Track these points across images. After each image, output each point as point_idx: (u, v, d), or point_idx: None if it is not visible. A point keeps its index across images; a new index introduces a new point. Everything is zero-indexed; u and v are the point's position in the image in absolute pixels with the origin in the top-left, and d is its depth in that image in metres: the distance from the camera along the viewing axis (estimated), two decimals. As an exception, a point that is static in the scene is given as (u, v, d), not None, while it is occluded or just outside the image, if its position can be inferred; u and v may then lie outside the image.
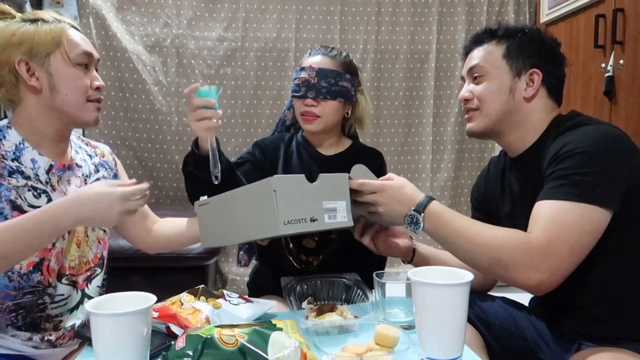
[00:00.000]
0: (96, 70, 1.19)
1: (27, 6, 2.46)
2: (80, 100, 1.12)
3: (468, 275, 0.85)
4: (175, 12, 2.77)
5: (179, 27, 2.77)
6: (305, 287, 1.18)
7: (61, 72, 1.10)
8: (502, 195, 1.27)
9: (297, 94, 1.40)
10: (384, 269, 1.40)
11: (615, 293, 1.05)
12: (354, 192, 1.10)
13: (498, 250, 0.99)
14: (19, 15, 1.14)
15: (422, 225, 1.07)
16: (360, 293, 1.17)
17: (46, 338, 1.11)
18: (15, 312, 1.07)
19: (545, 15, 2.70)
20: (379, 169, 1.46)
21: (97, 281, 1.22)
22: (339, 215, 1.03)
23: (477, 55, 1.21)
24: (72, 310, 1.16)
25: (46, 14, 1.13)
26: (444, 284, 0.83)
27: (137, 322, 0.78)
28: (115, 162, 1.35)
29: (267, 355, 0.77)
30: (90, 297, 1.19)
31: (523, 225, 1.09)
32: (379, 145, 2.90)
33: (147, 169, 2.79)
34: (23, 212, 1.05)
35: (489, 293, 1.33)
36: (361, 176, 1.12)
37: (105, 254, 1.26)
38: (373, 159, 1.50)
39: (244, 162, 1.42)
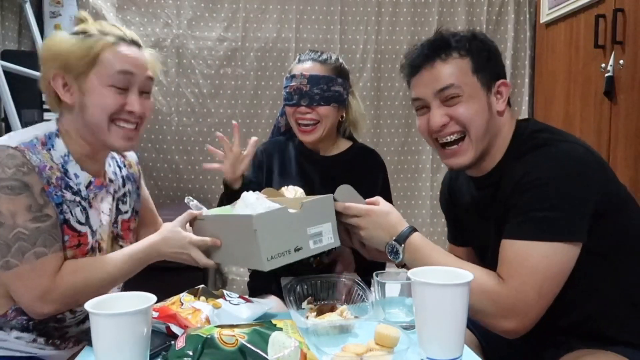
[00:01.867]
0: (146, 93, 1.10)
1: (27, 6, 2.46)
2: (103, 121, 1.05)
3: (468, 275, 0.85)
4: (175, 12, 2.77)
5: (179, 27, 2.77)
6: (305, 287, 1.18)
7: (92, 91, 1.04)
8: (467, 211, 1.22)
9: (290, 103, 1.40)
10: (384, 268, 1.40)
11: (598, 306, 1.03)
12: (338, 213, 1.10)
13: (483, 298, 0.96)
14: (87, 24, 1.08)
15: (401, 256, 1.06)
16: (360, 293, 1.17)
17: (51, 341, 1.11)
18: (27, 315, 1.06)
19: (545, 16, 2.70)
20: (384, 183, 1.49)
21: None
22: (325, 238, 1.06)
23: (446, 72, 1.04)
24: (84, 320, 1.16)
25: (96, 26, 1.07)
26: (444, 284, 0.83)
27: (137, 322, 0.78)
28: (140, 173, 1.35)
29: (267, 355, 0.77)
30: None
31: (486, 242, 1.10)
32: (379, 145, 2.90)
33: (147, 169, 2.79)
34: (70, 227, 1.05)
35: None
36: (346, 197, 1.11)
37: None
38: (374, 162, 1.50)
39: (250, 183, 1.41)
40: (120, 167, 1.26)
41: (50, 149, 1.05)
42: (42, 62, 1.07)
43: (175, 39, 2.77)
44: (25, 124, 2.08)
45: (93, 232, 1.11)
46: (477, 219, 1.18)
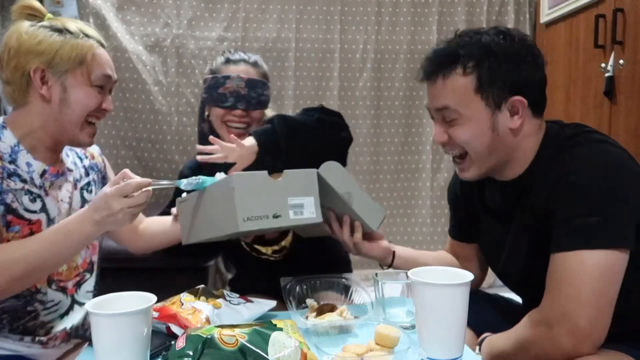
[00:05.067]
0: (110, 92, 1.16)
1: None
2: (80, 118, 1.10)
3: (468, 275, 0.85)
4: (175, 12, 2.77)
5: (179, 27, 2.77)
6: (305, 287, 1.18)
7: (77, 89, 1.08)
8: (483, 208, 1.20)
9: (225, 105, 1.38)
10: (351, 269, 1.42)
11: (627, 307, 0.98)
12: (335, 203, 1.09)
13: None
14: (48, 16, 1.11)
15: None
16: (360, 293, 1.17)
17: (37, 339, 1.10)
18: (7, 313, 1.06)
19: (545, 16, 2.70)
20: None
21: (88, 286, 1.21)
22: (306, 211, 1.01)
23: (444, 92, 1.02)
24: (63, 315, 1.15)
25: (74, 24, 1.11)
26: (444, 284, 0.83)
27: (137, 322, 0.78)
28: (105, 164, 1.34)
29: (267, 355, 0.77)
30: (80, 303, 1.18)
31: (502, 247, 1.09)
32: (379, 145, 2.90)
33: (147, 169, 2.79)
34: (18, 216, 1.05)
35: (484, 291, 1.34)
36: (332, 174, 1.09)
37: (95, 258, 1.25)
38: None
39: None
40: (80, 158, 1.26)
41: None
42: (20, 54, 1.06)
43: (175, 39, 2.77)
44: None
45: (50, 220, 1.10)
46: (494, 219, 1.16)
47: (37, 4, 1.11)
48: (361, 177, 2.88)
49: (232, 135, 1.28)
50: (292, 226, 1.03)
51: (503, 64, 1.00)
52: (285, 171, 1.01)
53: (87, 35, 1.10)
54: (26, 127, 1.10)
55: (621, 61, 2.10)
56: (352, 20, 2.90)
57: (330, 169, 1.09)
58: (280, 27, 2.84)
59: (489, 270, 1.30)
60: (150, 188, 0.99)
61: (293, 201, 1.00)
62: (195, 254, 1.47)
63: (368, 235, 1.21)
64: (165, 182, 1.05)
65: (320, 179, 1.05)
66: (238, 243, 1.43)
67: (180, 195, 1.17)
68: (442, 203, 2.97)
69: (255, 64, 1.44)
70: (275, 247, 1.43)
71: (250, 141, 1.26)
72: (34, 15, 1.10)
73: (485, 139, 1.02)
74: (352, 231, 1.18)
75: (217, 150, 1.24)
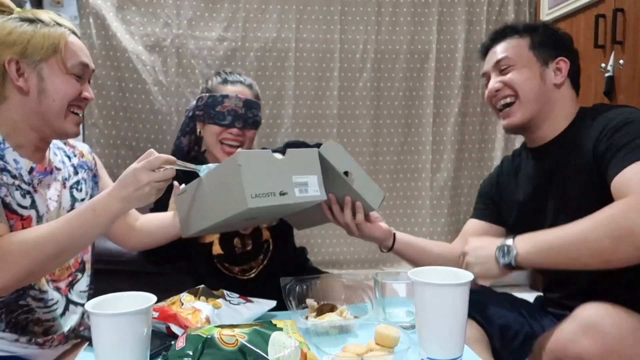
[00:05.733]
0: (89, 82, 1.15)
1: (27, 6, 2.45)
2: (62, 108, 1.09)
3: (468, 275, 0.85)
4: (175, 12, 2.77)
5: (179, 27, 2.77)
6: (305, 287, 1.18)
7: (54, 78, 1.07)
8: (517, 188, 1.30)
9: (223, 122, 1.41)
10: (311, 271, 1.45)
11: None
12: (337, 186, 1.09)
13: (613, 221, 0.90)
14: (17, 10, 1.10)
15: (515, 251, 0.99)
16: (360, 293, 1.17)
17: (34, 340, 1.10)
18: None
19: (545, 15, 2.70)
20: None
21: (81, 286, 1.21)
22: (311, 189, 1.02)
23: (502, 49, 1.26)
24: (61, 315, 1.15)
25: (45, 15, 1.10)
26: (444, 284, 0.83)
27: (137, 322, 0.78)
28: (95, 162, 1.33)
29: (267, 355, 0.77)
30: (75, 303, 1.18)
31: (543, 217, 1.13)
32: (379, 145, 2.90)
33: (147, 169, 2.79)
34: (12, 210, 1.04)
35: (493, 290, 1.34)
36: (333, 154, 1.09)
37: (86, 257, 1.24)
38: None
39: None
40: (69, 157, 1.25)
41: None
42: None
43: (175, 39, 2.77)
44: None
45: (39, 217, 1.10)
46: (526, 188, 1.26)
47: (6, 0, 1.10)
48: (361, 177, 2.88)
49: None
50: (298, 205, 1.02)
51: (552, 35, 1.25)
52: (288, 150, 1.01)
53: (58, 24, 1.09)
54: (9, 123, 1.08)
55: (621, 61, 2.10)
56: (352, 20, 2.89)
57: (330, 149, 1.10)
58: (280, 27, 2.84)
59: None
60: (175, 166, 1.02)
61: (298, 179, 1.00)
62: (167, 260, 1.49)
63: (367, 217, 1.24)
64: (189, 165, 1.06)
65: (321, 158, 1.06)
66: (209, 256, 1.44)
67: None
68: (442, 203, 2.97)
69: (250, 86, 1.50)
70: (244, 267, 1.45)
71: None
72: (1, 11, 1.09)
73: (535, 84, 1.21)
74: (354, 213, 1.20)
75: None
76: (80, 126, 1.16)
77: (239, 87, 1.46)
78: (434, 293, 0.83)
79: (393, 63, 2.93)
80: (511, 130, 1.27)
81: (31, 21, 1.07)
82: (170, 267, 1.58)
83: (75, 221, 1.00)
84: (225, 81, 1.48)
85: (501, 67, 1.25)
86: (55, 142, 1.23)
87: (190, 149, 1.57)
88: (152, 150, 1.03)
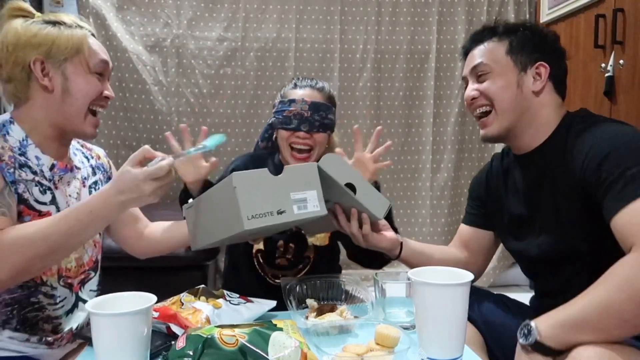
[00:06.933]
0: (108, 80, 1.19)
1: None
2: (83, 106, 1.12)
3: (468, 275, 0.85)
4: (175, 12, 2.77)
5: (179, 27, 2.77)
6: (305, 287, 1.18)
7: (77, 77, 1.10)
8: (506, 193, 1.26)
9: (289, 127, 1.41)
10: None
11: None
12: (339, 196, 1.08)
13: (630, 285, 0.84)
14: (38, 14, 1.13)
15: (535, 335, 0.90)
16: (360, 293, 1.17)
17: (44, 339, 1.11)
18: (11, 306, 1.07)
19: (545, 15, 2.70)
20: None
21: (91, 285, 1.21)
22: (310, 205, 1.01)
23: (479, 53, 1.19)
24: (68, 313, 1.15)
25: (66, 17, 1.13)
26: (444, 284, 0.83)
27: (137, 322, 0.78)
28: (110, 165, 1.35)
29: (267, 355, 0.77)
30: (84, 301, 1.18)
31: (532, 228, 1.09)
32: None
33: (147, 169, 2.79)
34: (29, 206, 1.06)
35: (490, 291, 1.34)
36: (333, 166, 1.09)
37: (99, 257, 1.25)
38: None
39: None
40: (87, 158, 1.28)
41: (5, 135, 1.08)
42: (18, 48, 1.07)
43: (175, 39, 2.77)
44: None
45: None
46: (518, 199, 1.21)
47: (26, 5, 1.13)
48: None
49: None
50: (299, 221, 1.03)
51: (534, 37, 1.18)
52: (286, 167, 1.01)
53: (79, 26, 1.13)
54: (31, 121, 1.11)
55: (621, 61, 2.10)
56: (352, 20, 2.90)
57: (330, 161, 1.09)
58: (280, 27, 2.84)
59: (490, 270, 1.31)
60: (178, 159, 1.03)
61: (296, 196, 1.00)
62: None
63: (374, 226, 1.21)
64: (179, 154, 1.10)
65: (321, 172, 1.05)
66: (250, 250, 1.44)
67: (187, 202, 1.19)
68: (442, 203, 2.97)
69: (321, 89, 1.47)
70: (278, 272, 1.44)
71: None
72: (24, 16, 1.12)
73: (511, 93, 1.15)
74: (360, 224, 1.18)
75: None
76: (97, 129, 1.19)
77: (308, 90, 1.45)
78: (434, 293, 0.83)
79: (393, 63, 2.93)
80: (489, 140, 1.22)
81: (54, 23, 1.10)
82: (176, 264, 1.57)
83: (71, 221, 0.99)
84: (295, 86, 1.49)
85: (477, 73, 1.19)
86: (74, 144, 1.26)
87: (270, 156, 1.56)
88: (147, 147, 1.02)
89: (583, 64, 2.36)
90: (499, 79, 1.16)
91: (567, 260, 1.10)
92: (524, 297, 1.30)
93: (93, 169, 1.27)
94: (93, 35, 1.16)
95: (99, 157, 1.32)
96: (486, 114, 1.18)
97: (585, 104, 2.33)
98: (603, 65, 2.19)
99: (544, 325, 0.90)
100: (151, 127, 2.77)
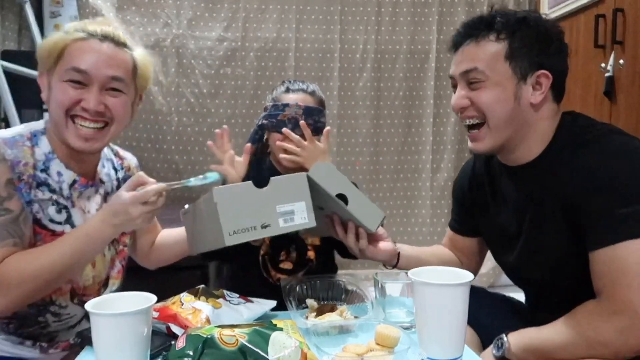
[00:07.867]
0: (116, 90, 1.07)
1: (27, 6, 2.46)
2: (60, 118, 1.04)
3: (468, 275, 0.85)
4: (175, 12, 2.77)
5: (179, 27, 2.77)
6: (305, 287, 1.18)
7: (55, 85, 1.05)
8: (494, 200, 1.18)
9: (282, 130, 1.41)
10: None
11: None
12: (332, 205, 1.06)
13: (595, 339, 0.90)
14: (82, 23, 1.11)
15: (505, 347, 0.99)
16: (360, 293, 1.17)
17: (38, 344, 1.10)
18: (8, 319, 1.06)
19: (545, 15, 2.70)
20: None
21: (108, 291, 1.20)
22: (297, 217, 0.99)
23: (473, 54, 1.04)
24: (71, 327, 1.14)
25: (83, 23, 1.09)
26: (444, 284, 0.83)
27: (137, 322, 0.78)
28: None
29: (267, 355, 0.77)
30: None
31: (516, 242, 1.07)
32: (379, 145, 2.90)
33: (147, 169, 2.77)
34: (41, 225, 1.05)
35: (487, 290, 1.33)
36: (324, 176, 1.05)
37: (112, 273, 1.23)
38: None
39: None
40: (116, 170, 1.25)
41: (34, 146, 1.06)
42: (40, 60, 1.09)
43: (175, 39, 2.77)
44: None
45: None
46: (507, 210, 1.13)
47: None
48: (361, 177, 2.88)
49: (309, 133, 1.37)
50: (282, 234, 1.02)
51: (535, 38, 1.02)
52: (272, 178, 0.99)
53: (77, 30, 1.06)
54: (51, 134, 1.10)
55: (621, 61, 2.10)
56: (352, 20, 2.89)
57: (321, 171, 1.06)
58: (280, 27, 2.84)
59: (490, 270, 1.30)
60: (164, 192, 1.01)
61: (282, 208, 0.97)
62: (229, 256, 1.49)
63: (371, 236, 1.18)
64: (175, 183, 1.05)
65: (310, 181, 1.02)
66: (257, 252, 1.44)
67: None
68: (442, 203, 2.97)
69: (312, 93, 1.48)
70: (280, 275, 1.44)
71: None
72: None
73: (507, 106, 1.02)
74: (357, 237, 1.15)
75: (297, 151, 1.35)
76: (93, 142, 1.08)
77: (300, 94, 1.46)
78: (434, 293, 0.83)
79: (393, 63, 2.93)
80: (478, 153, 1.12)
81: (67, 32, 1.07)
82: (176, 264, 1.58)
83: (69, 249, 1.00)
84: (287, 90, 1.49)
85: (470, 80, 1.03)
86: (106, 153, 1.23)
87: (263, 157, 1.57)
88: (141, 174, 1.01)
89: (583, 64, 2.36)
90: (494, 89, 1.02)
91: (552, 278, 1.07)
92: (522, 295, 1.30)
93: (119, 182, 1.24)
94: (94, 36, 1.05)
95: (129, 169, 1.29)
96: (477, 126, 1.06)
97: (585, 104, 2.33)
98: (603, 65, 2.19)
99: (514, 343, 0.97)
100: (151, 127, 2.76)
